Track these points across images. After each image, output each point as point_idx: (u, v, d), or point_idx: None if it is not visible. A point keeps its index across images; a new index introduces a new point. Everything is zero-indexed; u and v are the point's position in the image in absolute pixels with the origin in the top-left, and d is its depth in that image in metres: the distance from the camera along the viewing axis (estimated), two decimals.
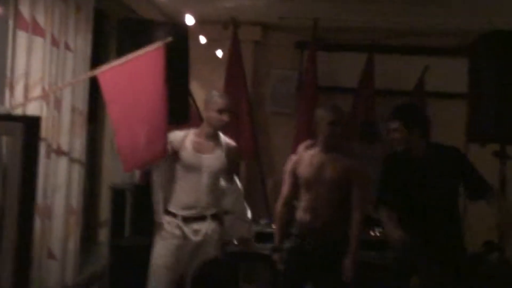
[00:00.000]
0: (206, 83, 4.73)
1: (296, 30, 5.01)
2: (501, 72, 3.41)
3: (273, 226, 3.50)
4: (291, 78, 5.09)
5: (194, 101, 4.29)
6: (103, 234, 4.43)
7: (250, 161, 4.90)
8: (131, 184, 4.25)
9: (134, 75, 2.78)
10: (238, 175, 3.59)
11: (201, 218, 3.20)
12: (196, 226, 3.19)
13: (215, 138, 3.30)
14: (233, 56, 4.71)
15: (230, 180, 3.38)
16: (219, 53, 4.75)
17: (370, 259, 3.77)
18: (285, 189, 3.36)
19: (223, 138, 3.37)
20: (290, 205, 3.39)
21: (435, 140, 3.86)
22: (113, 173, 4.41)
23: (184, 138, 3.24)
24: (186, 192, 3.20)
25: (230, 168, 3.35)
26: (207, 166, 3.22)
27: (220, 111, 3.21)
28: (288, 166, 3.36)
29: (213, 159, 3.25)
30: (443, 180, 3.09)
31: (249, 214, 3.47)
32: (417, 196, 3.09)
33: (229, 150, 3.33)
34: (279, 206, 3.38)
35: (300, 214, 3.25)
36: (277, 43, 5.14)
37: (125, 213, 4.25)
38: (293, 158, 3.36)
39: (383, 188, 3.19)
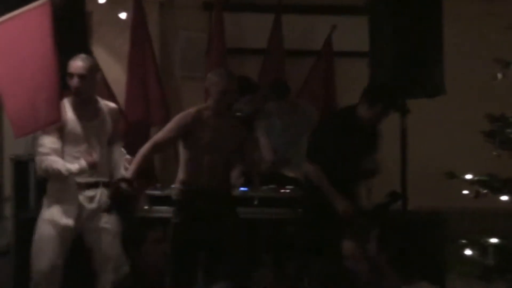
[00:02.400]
0: (110, 48, 4.56)
1: None
2: (397, 28, 3.52)
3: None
4: (199, 40, 5.00)
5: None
6: (8, 209, 4.23)
7: (160, 127, 4.80)
8: (33, 154, 4.05)
9: (19, 35, 2.61)
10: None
11: (94, 184, 3.09)
12: (90, 193, 3.08)
13: (92, 103, 3.13)
14: (137, 18, 4.54)
15: (117, 143, 3.27)
16: (123, 15, 4.56)
17: (280, 215, 3.82)
18: (162, 135, 3.19)
19: (103, 102, 3.21)
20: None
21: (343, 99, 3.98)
22: (15, 143, 4.18)
23: (63, 109, 3.02)
24: (77, 160, 3.03)
25: (115, 131, 3.23)
26: (93, 133, 3.08)
27: (72, 75, 3.01)
28: (181, 120, 3.18)
29: (96, 126, 3.11)
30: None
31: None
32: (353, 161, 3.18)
33: (111, 113, 3.20)
34: (148, 146, 3.18)
35: (192, 175, 3.17)
36: (183, 4, 5.01)
37: (29, 185, 4.06)
38: (190, 114, 3.19)
39: (319, 147, 3.23)
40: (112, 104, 3.30)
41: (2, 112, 4.30)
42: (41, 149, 2.99)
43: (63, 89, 2.95)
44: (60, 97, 2.89)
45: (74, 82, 2.98)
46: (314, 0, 5.02)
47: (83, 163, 2.97)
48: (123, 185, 3.00)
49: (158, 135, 3.21)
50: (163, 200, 3.68)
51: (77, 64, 2.99)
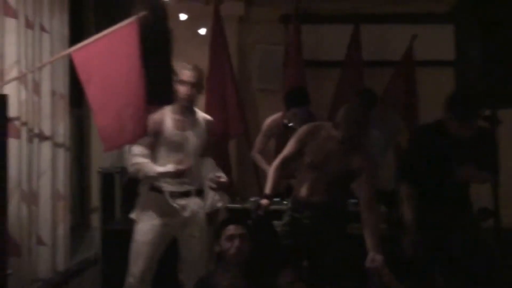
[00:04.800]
0: (190, 62, 4.65)
1: (280, 3, 4.93)
2: (485, 34, 3.37)
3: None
4: (276, 53, 5.01)
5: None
6: (95, 219, 4.41)
7: (239, 140, 4.86)
8: (119, 167, 4.21)
9: (109, 53, 2.72)
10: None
11: (186, 193, 3.17)
12: (182, 201, 3.15)
13: (192, 113, 3.24)
14: (216, 33, 4.63)
15: (209, 155, 3.34)
16: (202, 31, 4.67)
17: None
18: (289, 149, 3.19)
19: (200, 113, 3.33)
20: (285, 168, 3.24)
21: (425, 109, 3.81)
22: (102, 157, 4.37)
23: (162, 116, 3.19)
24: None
25: (208, 143, 3.32)
26: (190, 143, 3.18)
27: (183, 83, 3.14)
28: (302, 133, 3.18)
29: (194, 136, 3.20)
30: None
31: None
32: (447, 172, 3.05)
33: (207, 125, 3.31)
34: (277, 162, 3.19)
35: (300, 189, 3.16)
36: (261, 17, 5.05)
37: (115, 196, 4.22)
38: (311, 128, 3.19)
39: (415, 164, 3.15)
40: (208, 117, 3.39)
41: (90, 127, 4.52)
42: (132, 155, 3.12)
43: (148, 104, 3.06)
44: (146, 112, 2.98)
45: (185, 89, 3.12)
46: (393, 8, 4.90)
47: (170, 167, 3.04)
48: (264, 202, 3.01)
49: (285, 150, 3.21)
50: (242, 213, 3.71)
51: (189, 72, 3.13)
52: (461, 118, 3.03)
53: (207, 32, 4.66)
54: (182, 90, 3.14)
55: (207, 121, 3.33)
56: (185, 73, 3.15)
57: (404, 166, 3.31)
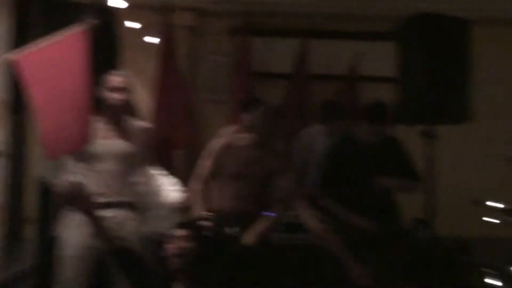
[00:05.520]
0: (139, 71, 4.64)
1: (231, 16, 4.99)
2: (426, 55, 3.53)
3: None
4: (226, 64, 5.06)
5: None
6: (31, 230, 4.26)
7: (187, 150, 4.85)
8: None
9: (55, 60, 2.67)
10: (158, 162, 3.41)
11: (113, 204, 3.03)
12: (109, 213, 3.00)
13: (122, 121, 3.12)
14: (166, 42, 4.63)
15: (145, 166, 3.22)
16: (152, 39, 4.66)
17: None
18: (207, 168, 3.28)
19: (134, 121, 3.21)
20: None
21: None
22: (40, 166, 4.24)
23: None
24: (97, 180, 3.01)
25: (141, 153, 3.17)
26: (115, 152, 3.06)
27: (113, 90, 3.05)
28: (215, 148, 3.28)
29: (122, 144, 3.08)
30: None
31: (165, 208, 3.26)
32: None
33: (143, 133, 3.18)
34: (201, 184, 3.26)
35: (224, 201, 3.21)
36: (212, 29, 5.09)
37: (52, 207, 4.09)
38: (222, 141, 3.29)
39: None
40: (145, 124, 3.28)
41: (28, 134, 4.38)
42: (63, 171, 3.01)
43: (94, 113, 3.00)
44: (91, 121, 2.93)
45: (116, 96, 3.03)
46: (340, 25, 5.05)
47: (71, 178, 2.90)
48: (206, 223, 3.02)
49: (205, 169, 3.26)
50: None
51: (118, 78, 3.06)
52: (370, 121, 3.28)
53: (156, 41, 4.66)
54: (113, 96, 3.04)
55: (142, 129, 3.20)
56: (113, 79, 3.06)
57: (325, 176, 3.45)
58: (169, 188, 3.24)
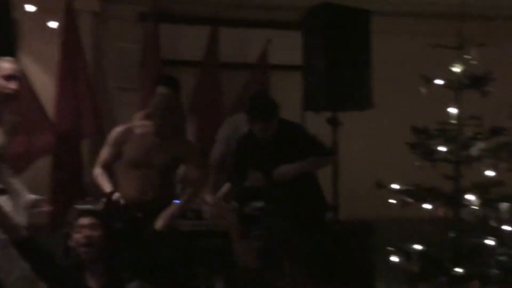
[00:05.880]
0: (39, 57, 4.43)
1: (137, 1, 4.86)
2: (329, 44, 3.64)
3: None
4: (134, 51, 4.93)
5: (24, 75, 3.98)
6: None
7: (93, 139, 4.69)
8: None
9: None
10: None
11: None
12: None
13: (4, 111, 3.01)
14: (68, 27, 4.42)
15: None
16: (53, 24, 4.44)
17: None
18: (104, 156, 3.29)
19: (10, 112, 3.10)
20: None
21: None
22: None
23: None
24: None
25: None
26: None
27: (7, 78, 2.92)
28: (115, 136, 3.25)
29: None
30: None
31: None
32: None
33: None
34: (99, 169, 3.27)
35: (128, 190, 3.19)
36: (117, 14, 4.93)
37: None
38: (122, 129, 3.26)
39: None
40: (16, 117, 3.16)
41: None
42: None
43: None
44: None
45: (14, 84, 2.89)
46: (250, 14, 5.07)
47: None
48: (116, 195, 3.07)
49: (102, 156, 3.27)
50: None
51: (13, 65, 2.89)
52: (254, 118, 3.30)
53: (58, 26, 4.45)
54: (10, 85, 2.92)
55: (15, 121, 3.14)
56: (9, 66, 2.93)
57: (233, 170, 3.57)
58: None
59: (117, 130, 3.24)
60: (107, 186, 3.17)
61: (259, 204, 3.49)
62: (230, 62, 4.99)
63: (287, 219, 3.20)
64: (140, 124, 3.28)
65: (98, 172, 3.25)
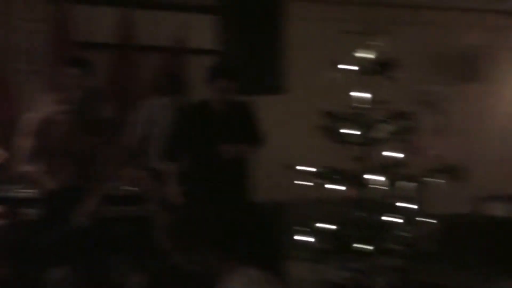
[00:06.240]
0: None
1: None
2: (243, 29, 3.67)
3: None
4: (41, 32, 4.70)
5: None
6: None
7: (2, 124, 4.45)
8: None
9: None
10: None
11: None
12: None
13: None
14: None
15: None
16: None
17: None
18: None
19: None
20: None
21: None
22: None
23: None
24: None
25: None
26: None
27: None
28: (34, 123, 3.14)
29: None
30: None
31: None
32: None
33: None
34: None
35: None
36: None
37: None
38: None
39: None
40: None
41: None
42: None
43: None
44: None
45: None
46: None
47: None
48: None
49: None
50: None
51: None
52: (216, 78, 3.30)
53: None
54: None
55: None
56: None
57: (168, 146, 3.45)
58: None
59: (35, 118, 3.11)
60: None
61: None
62: (145, 45, 4.88)
63: (212, 200, 3.22)
64: (54, 110, 3.15)
65: (28, 170, 3.14)
